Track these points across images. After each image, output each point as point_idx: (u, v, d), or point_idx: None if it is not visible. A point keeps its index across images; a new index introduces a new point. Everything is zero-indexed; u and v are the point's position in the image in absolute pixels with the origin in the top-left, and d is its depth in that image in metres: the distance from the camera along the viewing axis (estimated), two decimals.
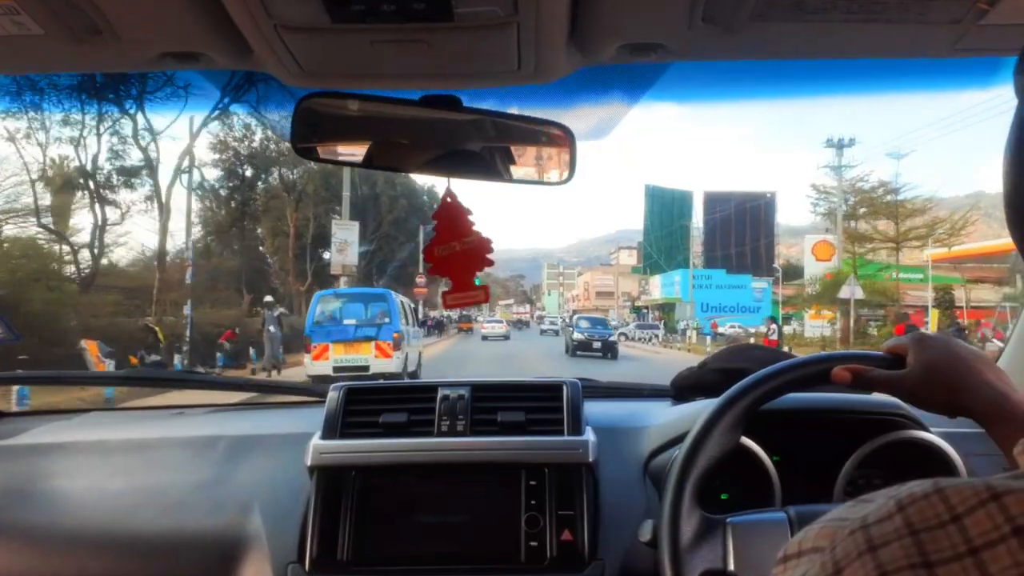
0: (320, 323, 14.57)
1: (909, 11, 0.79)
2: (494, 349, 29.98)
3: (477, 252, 1.10)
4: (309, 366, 14.10)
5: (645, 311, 59.17)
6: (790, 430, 1.25)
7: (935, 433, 1.21)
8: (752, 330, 33.81)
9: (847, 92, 1.11)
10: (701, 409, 1.01)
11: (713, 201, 53.71)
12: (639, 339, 41.24)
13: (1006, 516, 0.31)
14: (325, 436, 1.31)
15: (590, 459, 1.26)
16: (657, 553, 0.93)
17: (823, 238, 35.07)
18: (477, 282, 1.12)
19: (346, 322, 14.46)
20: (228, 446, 1.44)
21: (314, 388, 1.70)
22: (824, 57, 0.92)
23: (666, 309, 52.01)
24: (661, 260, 56.03)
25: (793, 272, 50.60)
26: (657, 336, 41.44)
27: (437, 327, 40.38)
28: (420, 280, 35.55)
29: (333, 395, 1.37)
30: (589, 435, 1.30)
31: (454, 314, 49.92)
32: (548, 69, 0.93)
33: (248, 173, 32.00)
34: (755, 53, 0.91)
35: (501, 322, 44.66)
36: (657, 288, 55.58)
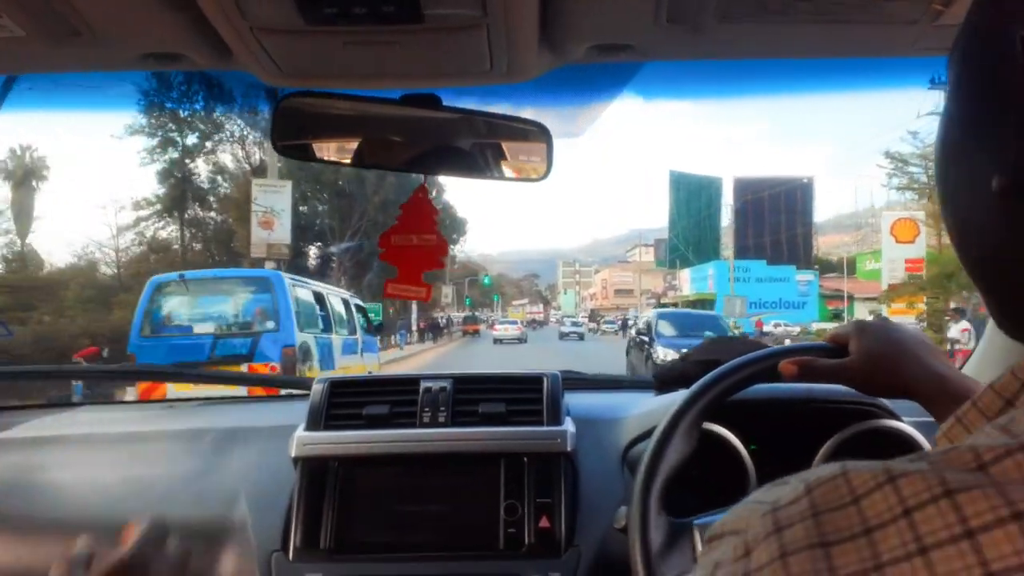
0: (156, 332, 8.72)
1: (867, 12, 0.81)
2: (506, 356, 25.03)
3: (431, 252, 1.13)
4: None
5: (673, 309, 54.34)
6: (767, 419, 1.28)
7: (907, 422, 1.23)
8: (812, 328, 29.32)
9: (818, 90, 1.13)
10: (677, 399, 1.02)
11: (744, 187, 48.07)
12: None
13: (899, 497, 0.32)
14: (309, 428, 1.33)
15: (568, 448, 1.28)
16: (631, 563, 0.94)
17: (906, 215, 28.47)
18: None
19: (198, 330, 8.73)
20: (216, 438, 1.47)
21: (301, 380, 1.74)
22: (789, 56, 0.94)
23: (699, 307, 45.94)
24: (689, 252, 50.21)
25: (828, 266, 46.43)
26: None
27: (432, 331, 34.84)
28: None
29: (317, 387, 1.40)
30: (568, 425, 1.33)
31: (458, 315, 44.98)
32: (521, 69, 0.95)
33: (189, 141, 26.98)
34: (722, 53, 0.93)
35: (515, 323, 39.98)
36: (686, 283, 49.72)
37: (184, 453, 1.44)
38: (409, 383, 1.40)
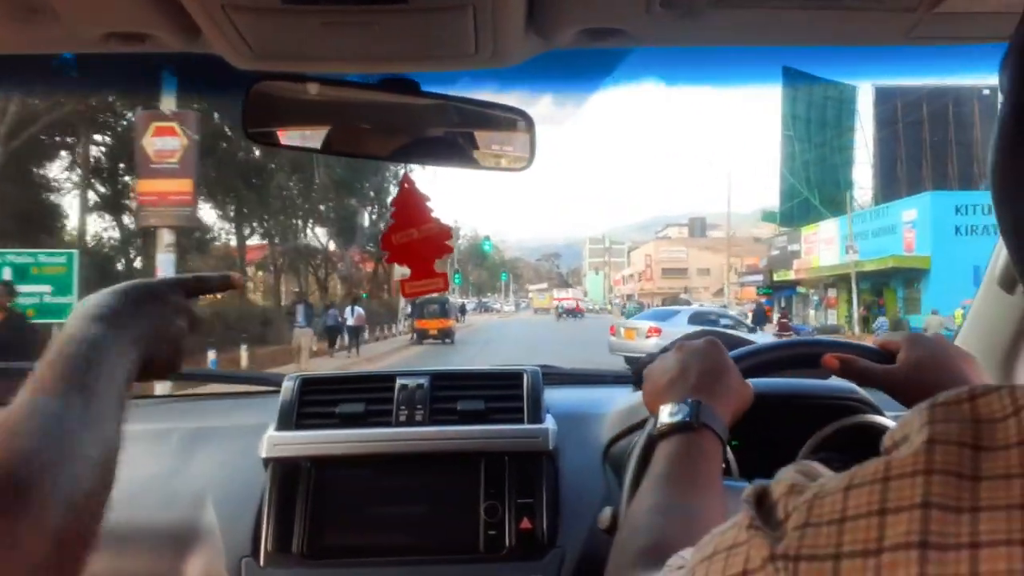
0: None
1: None
2: None
3: (436, 239, 1.10)
4: None
5: (806, 294, 33.12)
6: (749, 415, 1.26)
7: (890, 417, 1.23)
8: None
9: (810, 78, 1.11)
10: None
11: (889, 99, 31.26)
12: None
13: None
14: (280, 427, 1.29)
15: (550, 447, 1.26)
16: None
17: None
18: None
19: None
20: (182, 438, 1.42)
21: (270, 377, 1.68)
22: (781, 44, 0.92)
23: (881, 283, 27.32)
24: (813, 196, 32.55)
25: None
26: None
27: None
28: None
29: (288, 385, 1.35)
30: (549, 423, 1.30)
31: (406, 305, 25.23)
32: (506, 53, 0.92)
33: None
34: (714, 39, 0.91)
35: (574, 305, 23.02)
36: (830, 245, 29.68)
37: (150, 454, 1.39)
38: (384, 380, 1.36)
